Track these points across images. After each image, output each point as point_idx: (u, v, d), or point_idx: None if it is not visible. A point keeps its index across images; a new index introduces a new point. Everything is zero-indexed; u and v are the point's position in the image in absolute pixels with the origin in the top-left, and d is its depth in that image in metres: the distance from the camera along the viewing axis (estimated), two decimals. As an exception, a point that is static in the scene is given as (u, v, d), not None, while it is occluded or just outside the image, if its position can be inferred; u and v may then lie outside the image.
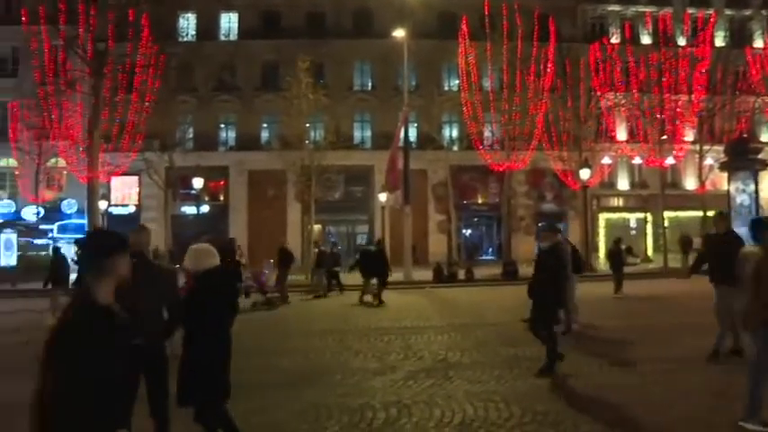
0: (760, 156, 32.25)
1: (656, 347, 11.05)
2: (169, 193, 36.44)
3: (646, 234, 44.43)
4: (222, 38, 44.64)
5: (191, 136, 41.21)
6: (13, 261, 31.27)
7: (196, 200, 36.84)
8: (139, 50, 29.39)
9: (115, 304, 3.04)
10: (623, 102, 37.57)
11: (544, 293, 9.21)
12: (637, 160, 39.85)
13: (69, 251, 20.31)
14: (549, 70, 33.92)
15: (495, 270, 30.57)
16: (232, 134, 44.91)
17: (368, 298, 20.29)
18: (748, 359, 7.30)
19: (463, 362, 10.33)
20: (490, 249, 45.41)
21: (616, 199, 45.89)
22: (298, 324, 15.94)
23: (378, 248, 22.03)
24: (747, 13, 46.28)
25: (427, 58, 39.93)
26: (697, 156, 37.18)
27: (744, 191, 30.22)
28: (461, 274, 28.93)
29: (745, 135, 37.17)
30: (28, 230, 35.67)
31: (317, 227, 37.02)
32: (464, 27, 34.38)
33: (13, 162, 39.50)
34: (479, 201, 45.45)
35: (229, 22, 45.13)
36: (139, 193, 42.47)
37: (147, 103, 30.35)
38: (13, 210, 40.22)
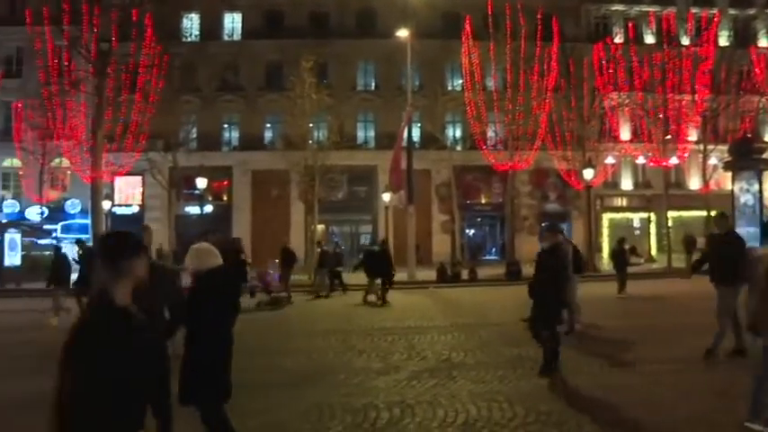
0: (764, 155, 32.21)
1: (660, 347, 11.03)
2: (173, 193, 36.47)
3: (649, 234, 44.39)
4: (226, 38, 44.69)
5: (194, 136, 41.22)
6: (17, 261, 31.28)
7: (199, 200, 36.85)
8: (143, 50, 29.43)
9: (133, 305, 3.05)
10: (627, 101, 37.54)
11: (544, 293, 9.20)
12: (640, 160, 39.80)
13: (71, 251, 20.30)
14: (552, 70, 33.87)
15: (499, 270, 30.57)
16: (235, 134, 44.95)
17: (371, 298, 20.29)
18: (750, 359, 7.30)
19: (467, 362, 10.32)
20: (493, 249, 45.39)
21: (620, 199, 45.83)
22: (301, 324, 15.95)
23: (382, 248, 22.02)
24: (751, 12, 46.23)
25: (431, 57, 39.93)
26: (701, 156, 37.11)
27: (748, 190, 30.21)
28: (465, 274, 28.93)
29: (749, 135, 37.15)
30: (32, 230, 35.71)
31: (320, 227, 37.01)
32: (467, 27, 34.37)
33: (17, 162, 39.62)
34: (483, 201, 45.41)
35: (233, 22, 45.17)
36: (143, 193, 42.54)
37: (150, 103, 30.36)
38: (17, 210, 40.32)
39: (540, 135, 34.10)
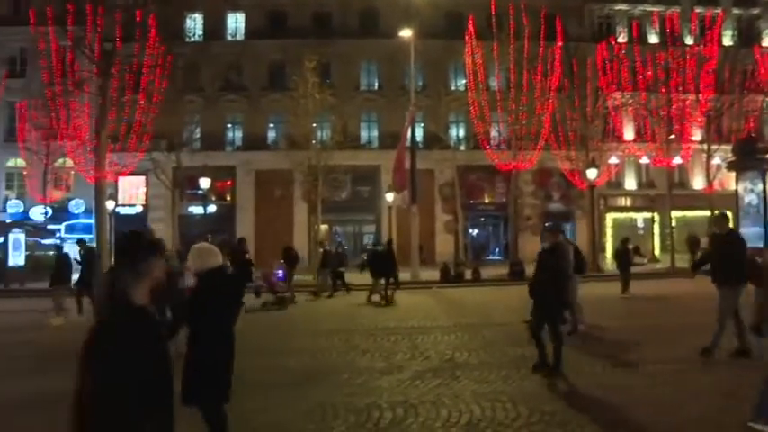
0: (768, 155, 32.07)
1: (663, 348, 11.01)
2: (176, 193, 36.51)
3: (653, 234, 44.30)
4: (229, 38, 44.71)
5: (198, 136, 41.28)
6: (21, 261, 31.33)
7: (203, 200, 36.87)
8: (146, 51, 29.44)
9: (151, 306, 3.07)
10: (630, 101, 37.51)
11: (545, 293, 9.21)
12: (644, 160, 39.76)
13: (72, 251, 20.32)
14: (555, 70, 33.85)
15: (502, 270, 30.53)
16: (239, 134, 44.98)
17: (375, 298, 20.30)
18: (762, 360, 7.27)
19: (470, 362, 10.31)
20: (497, 249, 45.39)
21: (623, 199, 45.77)
22: (304, 324, 15.95)
23: (387, 248, 22.04)
24: (755, 11, 46.13)
25: (434, 57, 39.89)
26: (705, 155, 37.01)
27: (752, 191, 30.06)
28: (468, 274, 28.91)
29: (753, 134, 36.97)
30: (36, 230, 35.76)
31: (323, 227, 37.05)
32: (471, 27, 34.34)
33: (21, 162, 39.69)
34: (486, 201, 45.39)
35: (236, 23, 45.20)
36: (147, 193, 42.58)
37: (153, 104, 30.36)
38: (21, 210, 40.41)
39: (544, 135, 34.06)
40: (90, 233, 34.17)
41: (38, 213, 38.07)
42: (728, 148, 34.36)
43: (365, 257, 36.27)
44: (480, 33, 34.35)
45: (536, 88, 33.22)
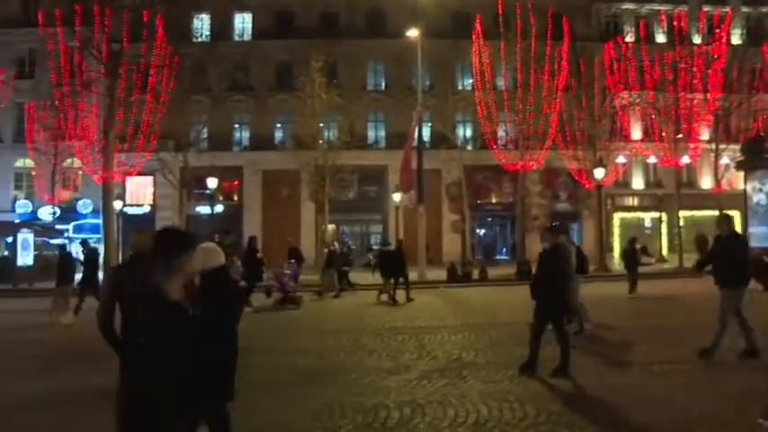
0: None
1: (671, 348, 10.98)
2: (184, 193, 36.63)
3: (661, 234, 44.20)
4: (236, 38, 44.80)
5: (205, 136, 41.36)
6: (29, 261, 31.48)
7: (210, 200, 36.96)
8: (154, 51, 29.55)
9: (186, 301, 3.12)
10: (638, 101, 37.38)
11: (546, 294, 9.20)
12: (652, 159, 39.62)
13: (75, 251, 20.45)
14: (563, 69, 33.77)
15: (509, 270, 30.49)
16: (246, 134, 45.07)
17: (384, 297, 20.34)
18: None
19: (477, 361, 10.30)
20: (504, 249, 45.34)
21: (631, 198, 45.64)
22: (312, 323, 15.97)
23: (397, 248, 22.08)
24: (764, 10, 45.93)
25: (441, 57, 39.89)
26: (713, 155, 36.89)
27: (761, 190, 29.92)
28: (475, 274, 28.89)
29: (761, 134, 36.77)
30: (44, 230, 35.94)
31: (330, 226, 37.08)
32: (478, 26, 34.31)
33: (29, 162, 39.88)
34: (493, 200, 45.36)
35: (243, 23, 45.28)
36: (154, 193, 42.70)
37: (161, 104, 30.46)
38: (29, 210, 40.59)
39: (551, 134, 34.01)
40: (98, 233, 34.30)
41: (46, 213, 38.24)
42: (737, 147, 34.25)
43: (371, 257, 36.39)
44: (487, 33, 34.30)
45: (543, 88, 33.17)
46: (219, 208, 39.73)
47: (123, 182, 36.89)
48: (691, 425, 6.75)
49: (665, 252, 41.98)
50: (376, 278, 21.71)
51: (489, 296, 22.09)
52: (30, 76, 40.81)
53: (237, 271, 11.63)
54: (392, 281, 20.55)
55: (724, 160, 36.42)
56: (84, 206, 40.67)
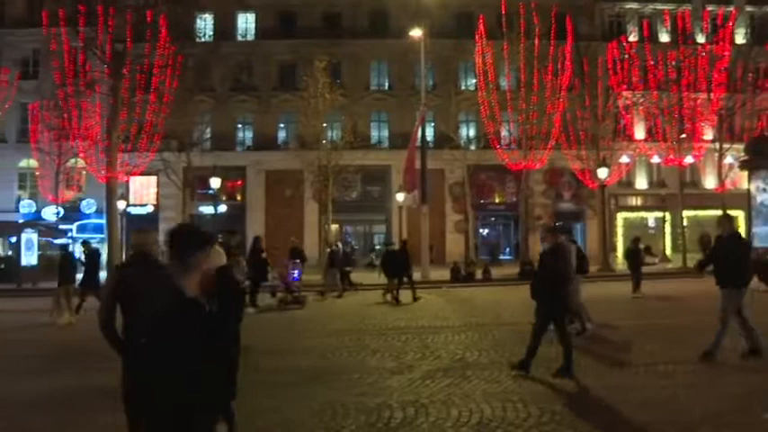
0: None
1: (674, 348, 10.96)
2: (187, 193, 36.66)
3: (664, 233, 44.02)
4: (239, 38, 44.78)
5: (208, 136, 41.42)
6: (34, 260, 31.55)
7: (214, 200, 36.96)
8: (157, 51, 29.54)
9: (202, 297, 3.16)
10: (641, 100, 37.33)
11: (545, 295, 9.19)
12: (655, 159, 39.54)
13: (79, 252, 20.47)
14: (566, 69, 33.72)
15: (513, 270, 30.47)
16: (249, 134, 45.07)
17: (389, 297, 20.39)
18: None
19: (481, 361, 10.30)
20: (507, 249, 45.30)
21: (634, 198, 45.56)
22: (315, 323, 15.97)
23: (401, 248, 22.09)
24: (768, 9, 45.78)
25: (444, 57, 39.81)
26: (716, 154, 36.84)
27: (764, 190, 29.82)
28: (479, 274, 28.89)
29: (766, 133, 36.73)
30: (48, 230, 35.98)
31: (334, 227, 37.10)
32: (481, 26, 34.24)
33: (33, 163, 39.92)
34: (497, 200, 45.31)
35: (246, 23, 45.28)
36: (157, 193, 42.73)
37: (164, 104, 30.44)
38: (33, 210, 40.65)
39: (554, 134, 33.96)
40: (101, 233, 34.43)
41: (50, 213, 38.30)
42: (741, 147, 34.17)
43: (374, 257, 36.41)
44: (490, 33, 34.25)
45: (546, 87, 33.12)
46: (223, 208, 39.75)
47: (127, 182, 36.98)
48: (694, 425, 6.74)
49: (668, 252, 41.82)
50: (382, 278, 21.70)
51: (493, 296, 22.06)
52: (33, 76, 40.87)
53: (243, 271, 11.69)
54: (396, 281, 20.59)
55: (728, 160, 36.37)
56: (88, 206, 40.72)
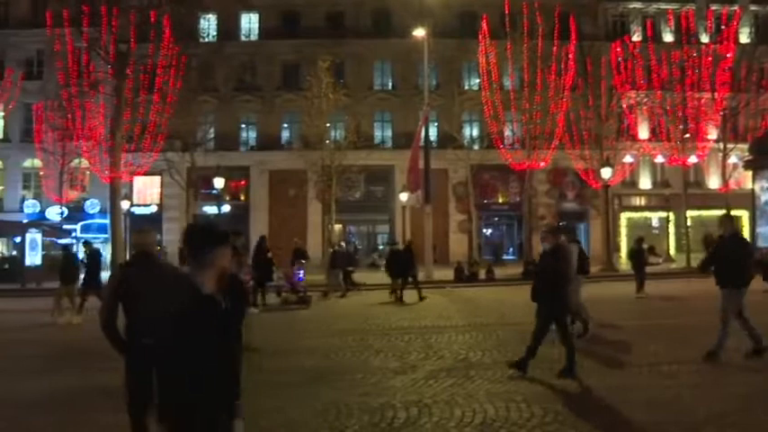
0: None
1: (678, 348, 10.94)
2: (190, 193, 36.70)
3: (668, 233, 43.97)
4: (243, 38, 44.86)
5: (212, 136, 41.47)
6: (38, 260, 31.62)
7: (217, 200, 37.02)
8: (161, 51, 29.56)
9: (218, 294, 3.18)
10: (645, 100, 37.25)
11: (545, 296, 9.18)
12: (659, 159, 39.45)
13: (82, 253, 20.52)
14: (569, 69, 33.63)
15: (517, 270, 30.46)
16: (253, 134, 45.11)
17: (394, 297, 20.41)
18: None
19: (484, 361, 10.30)
20: (511, 249, 45.27)
21: (638, 198, 45.51)
22: (318, 323, 15.97)
23: (406, 248, 22.11)
24: (773, 8, 45.67)
25: (447, 57, 39.79)
26: (720, 154, 36.75)
27: (769, 189, 29.80)
28: (482, 274, 28.87)
29: (770, 133, 36.67)
30: (52, 230, 36.05)
31: (337, 226, 37.10)
32: (484, 26, 34.20)
33: (37, 163, 40.06)
34: (500, 200, 45.30)
35: (250, 23, 45.34)
36: (161, 193, 42.82)
37: (168, 104, 30.44)
38: (37, 210, 40.76)
39: (558, 134, 33.89)
40: (105, 233, 34.46)
41: (54, 213, 38.40)
42: (745, 146, 34.13)
43: (377, 257, 36.42)
44: (494, 32, 34.24)
45: (550, 87, 33.05)
46: (226, 208, 39.80)
47: (130, 182, 37.03)
48: (698, 425, 6.72)
49: (672, 252, 41.78)
50: (379, 277, 21.71)
51: (496, 296, 22.06)
52: (38, 76, 41.00)
53: (249, 271, 11.73)
54: (400, 281, 20.60)
55: (732, 160, 36.27)
56: (92, 206, 40.83)
